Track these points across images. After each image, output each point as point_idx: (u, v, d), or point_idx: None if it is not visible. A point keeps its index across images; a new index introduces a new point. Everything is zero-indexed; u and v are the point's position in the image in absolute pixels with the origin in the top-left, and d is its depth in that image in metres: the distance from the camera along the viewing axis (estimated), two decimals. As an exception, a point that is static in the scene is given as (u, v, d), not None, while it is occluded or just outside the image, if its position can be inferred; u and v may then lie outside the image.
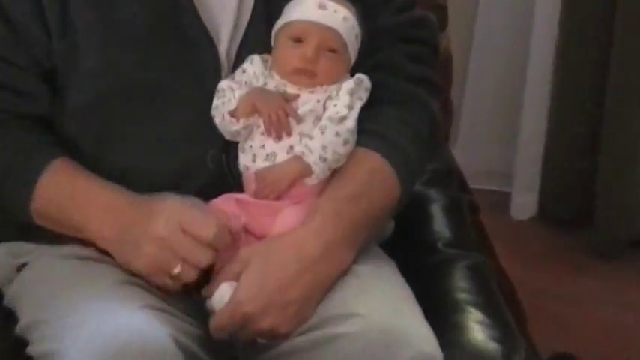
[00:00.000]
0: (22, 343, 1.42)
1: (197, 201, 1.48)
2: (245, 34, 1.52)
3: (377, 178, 1.51)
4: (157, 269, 1.45)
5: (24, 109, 1.55)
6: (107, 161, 1.54)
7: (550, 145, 2.44)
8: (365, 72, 1.50)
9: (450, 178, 1.89)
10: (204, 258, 1.44)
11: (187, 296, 1.51)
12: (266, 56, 1.50)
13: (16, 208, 1.53)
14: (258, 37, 1.50)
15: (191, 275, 1.44)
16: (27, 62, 1.53)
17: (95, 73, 1.51)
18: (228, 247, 1.44)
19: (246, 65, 1.50)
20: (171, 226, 1.44)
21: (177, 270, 1.43)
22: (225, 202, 1.47)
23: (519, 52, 2.53)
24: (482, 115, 2.63)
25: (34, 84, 1.54)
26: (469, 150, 2.57)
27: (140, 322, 1.36)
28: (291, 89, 1.48)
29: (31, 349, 1.41)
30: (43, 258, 1.53)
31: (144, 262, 1.45)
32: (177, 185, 1.51)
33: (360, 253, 1.49)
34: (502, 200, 2.54)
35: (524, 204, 2.58)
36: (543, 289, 2.30)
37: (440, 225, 1.78)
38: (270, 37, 1.50)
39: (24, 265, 1.55)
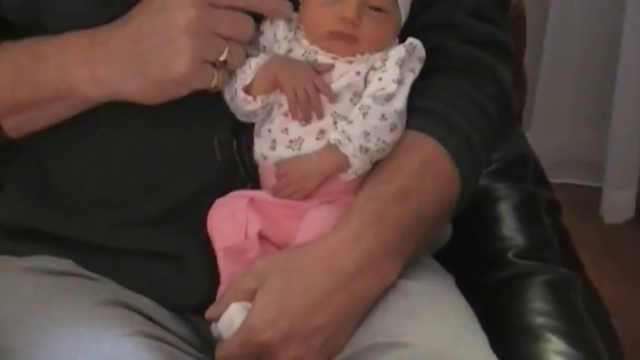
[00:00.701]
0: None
1: None
2: None
3: (430, 170, 1.39)
4: (201, 62, 1.34)
5: None
6: (96, 144, 1.44)
7: None
8: (417, 34, 1.38)
9: (524, 170, 1.77)
10: (248, 25, 1.35)
11: (187, 319, 1.44)
12: (293, 14, 1.38)
13: None
14: None
15: (240, 54, 1.35)
16: None
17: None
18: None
19: (265, 26, 1.38)
20: (200, 4, 1.35)
21: (224, 54, 1.34)
22: (235, 202, 1.37)
23: (612, 10, 2.37)
24: (565, 91, 2.57)
25: None
26: (548, 134, 2.52)
27: (128, 352, 1.29)
28: (323, 58, 1.35)
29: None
30: (3, 273, 1.44)
31: (184, 60, 1.33)
32: (171, 179, 1.41)
33: (409, 266, 1.38)
34: (591, 198, 2.49)
35: (618, 203, 2.50)
36: None
37: (511, 230, 1.68)
38: None
39: (-9, 284, 1.40)
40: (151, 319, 1.36)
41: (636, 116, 2.50)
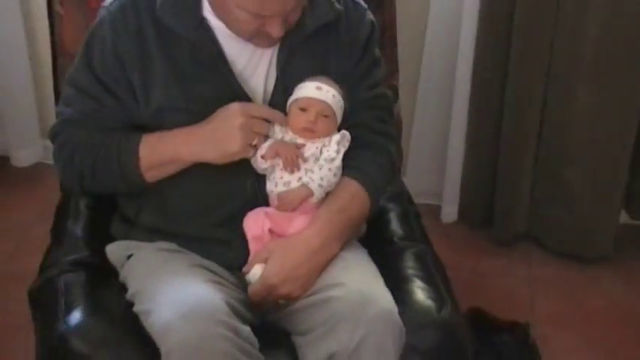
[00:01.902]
0: (131, 304, 1.48)
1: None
2: (269, 106, 1.53)
3: (356, 197, 1.53)
4: (245, 144, 1.45)
5: (111, 125, 1.53)
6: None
7: (466, 174, 2.38)
8: (347, 129, 1.54)
9: (402, 196, 1.86)
10: (267, 128, 1.48)
11: (233, 273, 1.53)
12: (284, 120, 1.52)
13: (131, 173, 1.50)
14: (278, 107, 1.51)
15: (261, 142, 1.47)
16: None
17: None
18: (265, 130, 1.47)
19: (272, 126, 1.51)
20: (244, 115, 1.45)
21: (256, 140, 1.46)
22: (256, 213, 1.51)
23: (444, 116, 2.36)
24: (421, 155, 2.47)
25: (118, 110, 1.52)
26: (413, 177, 2.44)
27: (203, 291, 1.40)
28: (299, 141, 1.50)
29: (135, 309, 1.46)
30: (142, 251, 1.57)
31: (237, 144, 1.44)
32: (225, 202, 1.53)
33: (345, 245, 1.52)
34: (435, 210, 2.47)
35: (449, 212, 2.46)
36: (462, 267, 2.27)
37: (395, 226, 1.76)
38: (285, 107, 1.51)
39: (130, 255, 1.58)
40: (215, 273, 1.49)
41: (458, 168, 2.37)
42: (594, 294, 2.23)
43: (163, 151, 1.49)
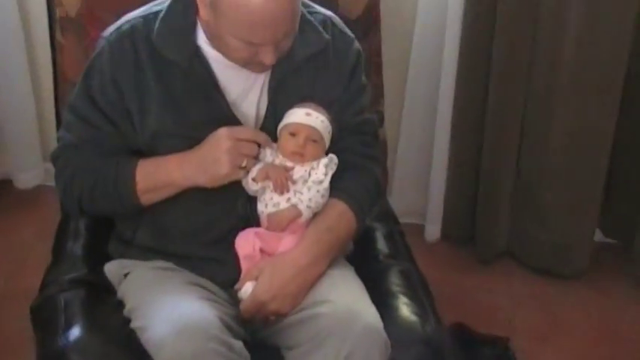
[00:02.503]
0: (128, 320, 1.49)
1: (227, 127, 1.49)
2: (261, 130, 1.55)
3: (343, 217, 1.54)
4: (234, 167, 1.45)
5: (108, 150, 1.53)
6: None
7: (448, 195, 2.38)
8: (334, 152, 1.55)
9: (387, 216, 1.87)
10: (254, 150, 1.48)
11: (226, 291, 1.53)
12: (274, 144, 1.53)
13: (127, 196, 1.51)
14: (268, 132, 1.52)
15: (251, 163, 1.48)
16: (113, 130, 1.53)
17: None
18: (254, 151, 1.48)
19: (261, 150, 1.51)
20: (231, 138, 1.45)
21: (244, 162, 1.47)
22: (247, 233, 1.51)
23: (427, 140, 2.36)
24: (406, 177, 2.46)
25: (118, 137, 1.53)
26: (398, 198, 2.42)
27: (197, 307, 1.41)
28: (289, 164, 1.51)
29: (132, 325, 1.47)
30: (138, 269, 1.58)
31: (226, 167, 1.45)
32: (218, 222, 1.54)
33: (332, 263, 1.52)
34: (419, 229, 2.46)
35: (432, 231, 2.45)
36: (445, 283, 2.22)
37: (381, 245, 1.77)
38: (276, 132, 1.53)
39: (127, 273, 1.59)
40: (209, 290, 1.50)
41: (441, 189, 2.38)
42: (572, 309, 2.24)
43: (158, 176, 1.50)
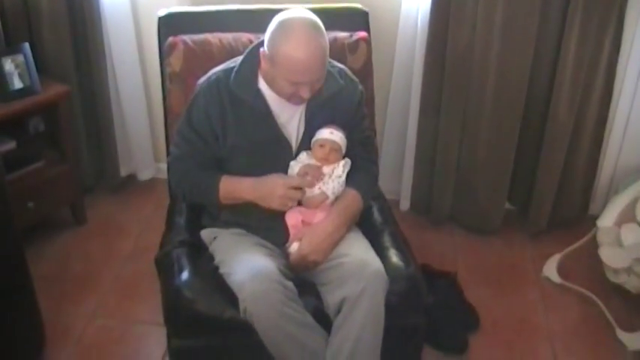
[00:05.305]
0: (217, 268, 1.47)
1: (279, 174, 1.45)
2: (300, 144, 1.52)
3: (355, 200, 1.52)
4: (282, 206, 1.43)
5: (203, 160, 1.49)
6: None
7: (415, 181, 2.18)
8: (348, 157, 1.52)
9: (380, 197, 1.74)
10: (299, 196, 1.44)
11: (280, 248, 1.51)
12: (309, 152, 1.50)
13: (211, 201, 1.49)
14: (305, 144, 1.51)
15: (294, 204, 1.43)
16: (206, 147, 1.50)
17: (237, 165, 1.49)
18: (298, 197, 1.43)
19: (301, 155, 1.51)
20: (284, 186, 1.41)
21: (291, 204, 1.44)
22: (293, 211, 1.48)
23: (401, 144, 2.17)
24: (387, 168, 2.18)
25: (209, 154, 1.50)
26: (382, 182, 1.88)
27: (263, 260, 1.41)
28: (319, 164, 1.47)
29: (220, 271, 1.46)
30: (223, 234, 1.56)
31: (275, 205, 1.43)
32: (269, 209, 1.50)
33: (349, 229, 1.51)
34: (395, 203, 2.21)
35: (404, 204, 2.25)
36: (413, 239, 1.78)
37: (377, 215, 1.68)
38: (310, 144, 1.50)
39: (215, 237, 1.56)
40: (269, 248, 1.49)
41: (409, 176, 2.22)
42: (490, 253, 2.20)
43: (233, 193, 1.49)
